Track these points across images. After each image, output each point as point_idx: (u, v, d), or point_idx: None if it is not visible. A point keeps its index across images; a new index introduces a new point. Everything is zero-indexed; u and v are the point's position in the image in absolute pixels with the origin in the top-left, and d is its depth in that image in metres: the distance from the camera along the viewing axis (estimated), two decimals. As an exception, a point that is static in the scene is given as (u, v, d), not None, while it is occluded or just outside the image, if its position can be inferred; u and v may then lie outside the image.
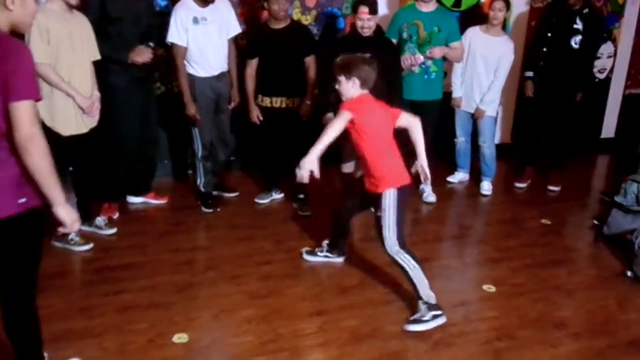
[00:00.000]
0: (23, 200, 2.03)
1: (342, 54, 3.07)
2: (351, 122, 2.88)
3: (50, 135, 3.29)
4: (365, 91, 2.96)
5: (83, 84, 3.38)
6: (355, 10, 3.82)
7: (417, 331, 2.87)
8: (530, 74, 4.82)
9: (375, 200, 2.97)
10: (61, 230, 2.17)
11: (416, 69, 4.23)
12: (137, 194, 4.22)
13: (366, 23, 3.76)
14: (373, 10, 3.77)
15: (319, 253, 3.53)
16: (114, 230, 3.78)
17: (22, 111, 1.91)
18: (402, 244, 2.96)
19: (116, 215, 3.96)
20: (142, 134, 3.91)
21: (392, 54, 4.01)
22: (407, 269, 2.94)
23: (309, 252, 3.56)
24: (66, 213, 2.09)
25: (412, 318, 2.93)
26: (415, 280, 2.94)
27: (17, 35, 2.10)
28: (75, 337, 2.74)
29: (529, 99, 4.88)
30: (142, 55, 3.66)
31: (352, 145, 3.04)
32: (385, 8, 4.89)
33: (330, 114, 3.96)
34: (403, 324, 2.93)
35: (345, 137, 3.00)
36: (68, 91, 3.28)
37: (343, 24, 4.89)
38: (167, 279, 3.28)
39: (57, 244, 3.53)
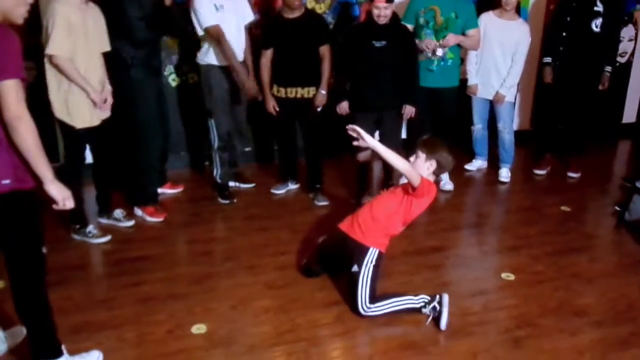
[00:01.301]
0: (7, 181, 2.06)
1: (357, 42, 3.01)
2: (418, 195, 2.87)
3: (66, 128, 3.34)
4: (434, 178, 2.99)
5: (96, 76, 3.38)
6: None
7: (448, 321, 2.81)
8: (548, 59, 4.74)
9: (357, 253, 2.91)
10: (55, 207, 2.22)
11: (440, 52, 4.16)
12: None
13: (383, 12, 3.71)
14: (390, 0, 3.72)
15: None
16: (132, 222, 3.80)
17: (9, 90, 1.95)
18: (375, 300, 2.87)
19: (164, 217, 3.92)
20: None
21: (408, 42, 3.96)
22: (386, 311, 2.86)
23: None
24: (57, 190, 2.15)
25: (430, 320, 2.86)
26: (402, 308, 2.87)
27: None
28: (94, 328, 2.76)
29: (548, 85, 4.80)
30: None
31: (390, 199, 3.00)
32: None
33: (344, 103, 3.93)
34: (420, 314, 2.90)
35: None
36: (84, 86, 3.28)
37: (358, 12, 4.85)
38: (185, 270, 3.30)
39: (76, 237, 3.57)
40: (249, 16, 4.03)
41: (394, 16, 3.86)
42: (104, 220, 3.75)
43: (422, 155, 2.94)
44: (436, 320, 2.84)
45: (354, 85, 3.93)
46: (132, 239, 3.63)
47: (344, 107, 3.95)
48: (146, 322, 2.81)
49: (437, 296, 2.88)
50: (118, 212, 3.80)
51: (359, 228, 2.97)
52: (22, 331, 2.59)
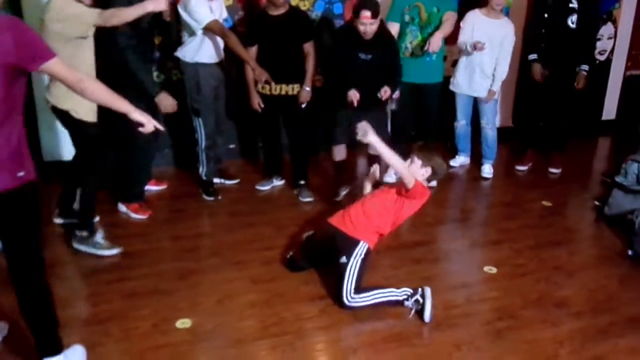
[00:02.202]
0: (22, 173, 2.10)
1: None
2: (411, 196, 2.98)
3: (84, 128, 3.25)
4: (427, 183, 3.11)
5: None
6: (357, 14, 3.67)
7: (431, 314, 2.84)
8: (534, 56, 4.75)
9: (347, 246, 2.95)
10: (141, 130, 2.38)
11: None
12: None
13: (369, 27, 3.67)
14: (375, 14, 3.66)
15: None
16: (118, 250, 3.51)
17: (56, 67, 2.07)
18: (359, 292, 2.90)
19: (148, 214, 3.90)
20: None
21: (393, 54, 3.98)
22: (369, 303, 2.89)
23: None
24: (142, 115, 2.35)
25: (413, 313, 2.89)
26: (385, 300, 2.90)
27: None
28: (80, 323, 2.76)
29: (530, 81, 4.86)
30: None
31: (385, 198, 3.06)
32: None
33: (353, 90, 3.84)
34: (402, 306, 2.94)
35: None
36: None
37: (341, 10, 4.87)
38: (170, 266, 3.30)
39: (81, 247, 3.39)
40: (225, 13, 4.11)
41: (379, 27, 3.80)
42: (58, 221, 3.65)
43: (417, 162, 3.06)
44: (419, 313, 2.87)
45: (340, 88, 3.92)
46: (116, 235, 3.61)
47: (354, 93, 3.85)
48: (131, 317, 2.81)
49: (420, 289, 2.91)
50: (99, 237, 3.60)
51: (350, 222, 3.01)
52: (4, 327, 2.59)
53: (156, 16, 3.56)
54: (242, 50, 3.84)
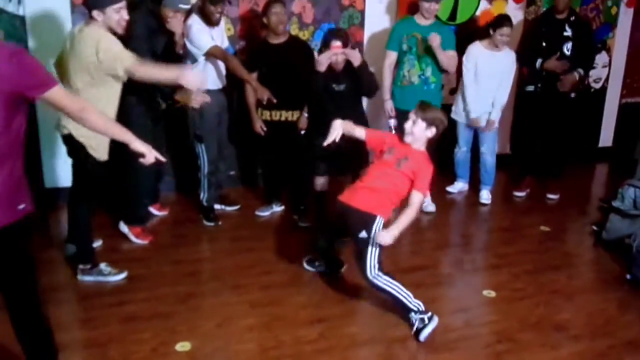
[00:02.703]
0: (22, 206, 2.09)
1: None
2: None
3: (92, 162, 3.23)
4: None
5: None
6: (327, 45, 3.70)
7: (429, 334, 2.87)
8: (531, 88, 4.85)
9: (365, 221, 2.96)
10: (142, 161, 2.36)
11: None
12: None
13: (339, 57, 3.68)
14: (345, 44, 3.68)
15: (318, 265, 3.55)
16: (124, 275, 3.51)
17: (58, 95, 2.07)
18: (383, 271, 2.96)
19: (149, 240, 3.89)
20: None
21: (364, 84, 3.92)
22: (389, 289, 2.93)
23: (309, 262, 3.59)
24: (143, 146, 2.34)
25: (415, 330, 2.91)
26: (400, 297, 2.93)
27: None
28: (79, 347, 2.77)
29: (526, 108, 4.93)
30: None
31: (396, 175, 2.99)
32: (387, 22, 4.99)
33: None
34: (403, 329, 2.95)
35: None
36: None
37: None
38: (170, 290, 3.31)
39: (87, 278, 3.36)
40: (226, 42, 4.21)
41: (349, 61, 3.77)
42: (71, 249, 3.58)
43: (422, 124, 2.96)
44: (418, 331, 2.88)
45: (319, 116, 3.95)
46: (116, 259, 3.62)
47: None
48: (130, 341, 2.82)
49: (430, 312, 2.93)
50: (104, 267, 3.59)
51: (364, 199, 2.99)
52: None
53: (169, 49, 3.61)
54: (243, 71, 3.91)
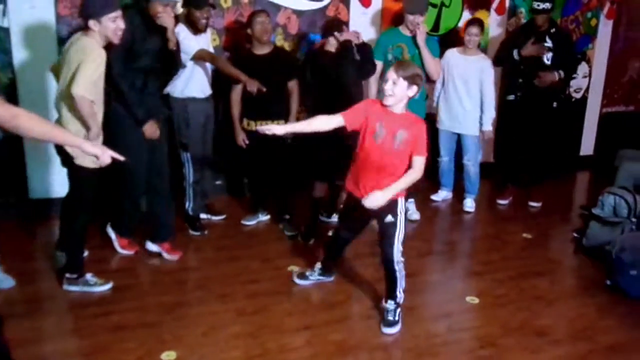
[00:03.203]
0: None
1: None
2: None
3: (84, 172, 3.23)
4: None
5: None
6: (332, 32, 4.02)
7: (395, 333, 3.01)
8: (512, 97, 4.94)
9: (388, 206, 2.96)
10: (96, 162, 2.29)
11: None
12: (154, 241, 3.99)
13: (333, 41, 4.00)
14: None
15: (310, 277, 3.54)
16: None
17: None
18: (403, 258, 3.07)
19: (135, 250, 3.88)
20: (149, 169, 3.70)
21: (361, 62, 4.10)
22: (399, 277, 3.06)
23: (300, 276, 3.57)
24: (92, 147, 2.26)
25: (386, 319, 3.05)
26: (398, 285, 3.07)
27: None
28: (64, 357, 2.77)
29: (509, 117, 5.01)
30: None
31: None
32: (372, 33, 5.05)
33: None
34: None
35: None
36: (95, 130, 3.14)
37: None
38: (156, 300, 3.32)
39: (72, 288, 3.36)
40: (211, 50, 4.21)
41: (345, 45, 3.99)
42: (61, 256, 3.57)
43: (403, 82, 2.85)
44: (388, 322, 3.05)
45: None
46: (102, 270, 3.63)
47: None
48: (116, 350, 2.82)
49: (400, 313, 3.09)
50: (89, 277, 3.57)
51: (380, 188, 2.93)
52: None
53: (163, 48, 3.56)
54: (231, 68, 3.94)
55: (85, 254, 3.66)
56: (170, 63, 3.67)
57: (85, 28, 3.13)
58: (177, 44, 3.66)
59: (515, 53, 4.78)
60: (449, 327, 3.13)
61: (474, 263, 3.97)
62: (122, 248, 3.87)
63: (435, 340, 2.99)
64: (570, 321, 3.24)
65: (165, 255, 3.84)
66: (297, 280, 3.55)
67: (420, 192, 4.81)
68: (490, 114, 4.73)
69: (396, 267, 3.03)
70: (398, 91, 2.86)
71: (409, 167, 2.95)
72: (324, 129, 2.99)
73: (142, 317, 3.13)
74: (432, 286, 3.66)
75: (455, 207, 5.00)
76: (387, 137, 2.91)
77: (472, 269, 3.89)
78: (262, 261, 3.83)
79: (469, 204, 4.95)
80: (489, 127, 4.75)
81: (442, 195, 5.14)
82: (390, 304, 3.07)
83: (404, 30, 4.43)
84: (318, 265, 3.56)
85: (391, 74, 2.86)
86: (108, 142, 3.36)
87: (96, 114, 3.15)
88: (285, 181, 4.32)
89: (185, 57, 3.87)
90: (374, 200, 2.88)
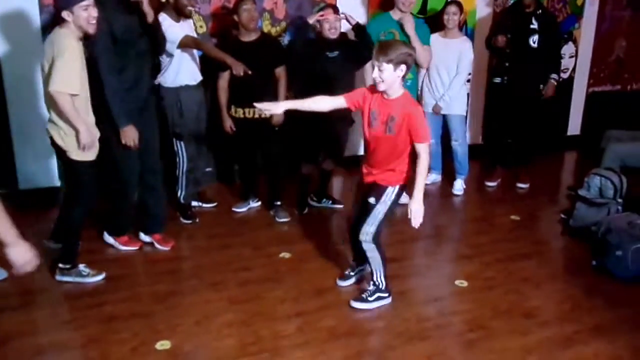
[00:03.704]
0: None
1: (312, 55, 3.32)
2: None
3: (77, 164, 3.25)
4: (403, 80, 2.91)
5: (90, 114, 3.29)
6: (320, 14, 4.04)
7: (361, 308, 3.13)
8: (498, 79, 4.97)
9: (377, 190, 3.05)
10: (14, 272, 2.07)
11: None
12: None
13: (333, 24, 3.97)
14: (337, 11, 4.02)
15: (351, 274, 3.44)
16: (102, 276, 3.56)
17: None
18: (377, 242, 3.10)
19: (139, 246, 3.85)
20: (141, 164, 3.70)
21: (359, 49, 4.12)
22: (372, 258, 3.14)
23: (342, 278, 3.43)
24: (18, 253, 2.05)
25: (361, 296, 3.16)
26: (374, 269, 3.16)
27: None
28: (59, 348, 2.80)
29: (496, 98, 5.04)
30: None
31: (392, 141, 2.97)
32: (359, 17, 5.01)
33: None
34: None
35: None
36: (79, 126, 3.12)
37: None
38: (149, 289, 3.34)
39: (65, 278, 3.39)
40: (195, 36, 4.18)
41: (343, 33, 4.10)
42: (53, 245, 3.63)
43: (388, 66, 2.79)
44: (360, 299, 3.17)
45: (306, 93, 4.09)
46: (94, 260, 3.63)
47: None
48: (110, 341, 2.85)
49: (386, 293, 3.19)
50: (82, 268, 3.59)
51: (379, 175, 3.06)
52: None
53: (143, 25, 3.46)
54: (217, 51, 3.97)
55: (53, 246, 3.66)
56: (154, 39, 3.58)
57: (60, 20, 3.12)
58: (157, 20, 3.58)
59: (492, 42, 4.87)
60: (438, 310, 3.18)
61: (463, 246, 4.02)
62: (124, 245, 3.83)
63: (426, 324, 3.04)
64: (557, 303, 3.30)
65: (158, 245, 3.85)
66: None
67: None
68: (452, 91, 4.73)
69: (365, 247, 3.09)
70: (386, 76, 2.82)
71: (411, 149, 3.00)
72: (323, 110, 3.09)
73: (136, 307, 3.15)
74: (421, 270, 3.71)
75: (444, 190, 5.04)
76: (380, 123, 2.95)
77: (461, 252, 3.94)
78: (254, 248, 3.86)
79: (458, 187, 4.99)
80: (443, 104, 4.76)
81: (432, 178, 5.17)
82: (371, 284, 3.19)
83: (394, 15, 4.42)
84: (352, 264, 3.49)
85: (374, 61, 2.82)
86: (106, 136, 3.43)
87: (79, 110, 3.12)
88: (275, 167, 4.34)
89: (171, 45, 3.84)
90: (416, 215, 2.96)
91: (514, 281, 3.51)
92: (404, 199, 4.62)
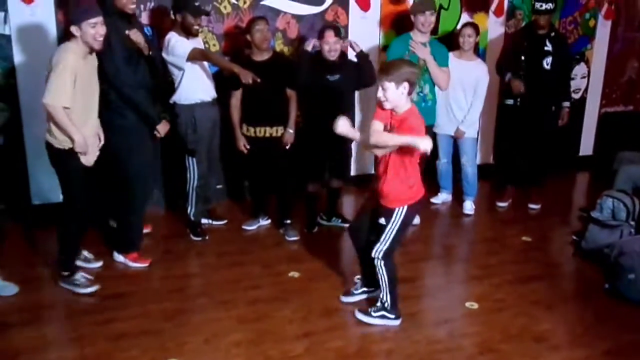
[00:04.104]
0: None
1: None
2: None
3: (71, 167, 3.33)
4: (409, 98, 2.96)
5: (93, 126, 3.41)
6: (321, 35, 4.03)
7: (360, 320, 3.20)
8: (509, 75, 4.89)
9: (385, 212, 3.08)
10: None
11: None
12: None
13: (332, 46, 3.99)
14: (338, 34, 4.02)
15: (355, 292, 3.47)
16: (100, 263, 3.78)
17: None
18: (389, 260, 3.12)
19: (148, 262, 3.85)
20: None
21: (360, 72, 4.16)
22: (383, 275, 3.14)
23: (346, 295, 3.47)
24: None
25: (367, 309, 3.21)
26: (384, 289, 3.16)
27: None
28: (68, 366, 2.81)
29: (508, 119, 5.05)
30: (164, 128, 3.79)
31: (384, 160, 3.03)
32: (371, 37, 5.06)
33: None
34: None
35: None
36: (73, 134, 3.22)
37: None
38: (158, 307, 3.35)
39: (64, 285, 3.49)
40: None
41: (343, 53, 4.13)
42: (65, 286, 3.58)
43: (390, 85, 2.87)
44: (364, 311, 3.21)
45: (310, 117, 4.18)
46: (104, 276, 3.66)
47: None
48: (119, 358, 2.86)
49: (393, 315, 3.18)
50: (86, 253, 3.78)
51: (383, 197, 3.08)
52: None
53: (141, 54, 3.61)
54: (224, 61, 4.05)
55: (100, 264, 3.77)
56: (152, 64, 3.71)
57: (70, 35, 3.24)
58: (153, 48, 3.73)
59: (507, 77, 4.85)
60: (448, 333, 3.16)
61: (473, 267, 3.99)
62: (134, 262, 3.83)
63: (436, 347, 3.02)
64: (568, 326, 3.26)
65: (132, 264, 3.82)
66: (360, 316, 3.26)
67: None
68: (473, 118, 4.76)
69: (377, 263, 3.10)
70: (390, 95, 2.90)
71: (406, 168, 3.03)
72: None
73: (145, 324, 3.16)
74: (432, 291, 3.69)
75: (455, 210, 5.02)
76: None
77: (472, 273, 3.91)
78: (263, 267, 3.86)
79: (469, 207, 4.97)
80: (464, 128, 4.76)
81: (442, 197, 5.16)
82: (378, 303, 3.20)
83: (415, 36, 4.38)
84: (357, 276, 3.53)
85: (378, 81, 2.93)
86: (116, 149, 3.55)
87: (75, 121, 3.23)
88: (283, 185, 4.35)
89: (179, 60, 3.89)
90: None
91: (525, 303, 3.48)
92: (415, 219, 4.66)
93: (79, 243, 3.58)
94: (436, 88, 4.47)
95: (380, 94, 2.90)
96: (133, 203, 3.74)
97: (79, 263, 3.67)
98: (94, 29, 3.18)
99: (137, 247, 3.87)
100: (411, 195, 3.07)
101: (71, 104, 3.19)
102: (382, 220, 3.07)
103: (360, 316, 3.20)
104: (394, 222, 3.06)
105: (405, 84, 2.87)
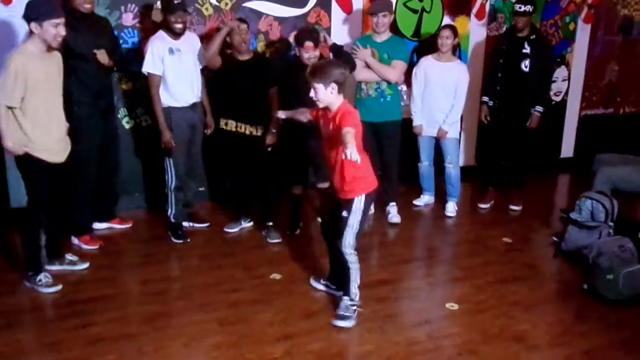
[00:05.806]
0: None
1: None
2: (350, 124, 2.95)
3: (30, 165, 3.34)
4: (341, 96, 3.06)
5: (61, 123, 3.44)
6: (301, 44, 4.02)
7: (344, 327, 3.16)
8: (485, 99, 5.05)
9: (345, 204, 3.14)
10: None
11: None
12: (101, 220, 4.36)
13: (312, 55, 4.01)
14: (316, 44, 4.03)
15: (321, 282, 3.63)
16: (87, 264, 3.79)
17: None
18: (356, 249, 3.18)
19: (99, 245, 4.07)
20: (101, 163, 4.09)
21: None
22: (351, 268, 3.18)
23: (316, 280, 3.66)
24: None
25: (338, 314, 3.20)
26: (352, 279, 3.19)
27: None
28: (44, 371, 2.77)
29: (487, 122, 5.10)
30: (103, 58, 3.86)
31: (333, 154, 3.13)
32: (353, 39, 5.07)
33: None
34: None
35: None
36: (3, 137, 3.26)
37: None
38: (137, 310, 3.32)
39: (28, 285, 3.50)
40: (202, 62, 4.17)
41: (322, 55, 4.15)
42: (55, 267, 3.65)
43: (320, 86, 3.00)
44: (341, 317, 3.19)
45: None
46: (82, 280, 3.62)
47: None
48: (96, 363, 2.82)
49: (357, 304, 3.23)
50: (70, 257, 3.78)
51: (340, 191, 3.17)
52: None
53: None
54: (159, 112, 4.00)
55: (86, 265, 3.80)
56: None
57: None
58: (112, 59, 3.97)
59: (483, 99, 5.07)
60: (428, 334, 3.16)
61: (454, 269, 4.00)
62: (86, 244, 4.01)
63: (415, 348, 3.01)
64: (548, 326, 3.28)
65: (84, 246, 4.02)
66: (312, 282, 3.64)
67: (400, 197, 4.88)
68: (454, 117, 4.79)
69: (347, 257, 3.17)
70: (321, 95, 3.03)
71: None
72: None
73: (123, 328, 3.12)
74: (412, 293, 3.69)
75: (437, 212, 5.03)
76: (325, 136, 3.16)
77: (453, 274, 3.92)
78: (245, 269, 3.84)
79: (451, 208, 4.99)
80: (447, 127, 4.79)
81: (425, 200, 5.18)
82: (345, 300, 3.22)
83: (374, 36, 4.53)
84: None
85: (311, 83, 3.04)
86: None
87: (36, 123, 3.27)
88: (265, 187, 4.33)
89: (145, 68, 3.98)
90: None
91: (505, 304, 3.50)
92: (395, 217, 4.67)
93: (40, 243, 3.54)
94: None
95: (312, 94, 3.04)
96: (79, 189, 3.92)
97: (64, 268, 3.71)
98: (56, 29, 3.18)
99: (88, 229, 4.08)
100: (366, 185, 3.16)
101: (17, 104, 3.19)
102: (344, 213, 3.14)
103: (340, 323, 3.17)
104: (355, 212, 3.12)
105: (334, 85, 3.00)
